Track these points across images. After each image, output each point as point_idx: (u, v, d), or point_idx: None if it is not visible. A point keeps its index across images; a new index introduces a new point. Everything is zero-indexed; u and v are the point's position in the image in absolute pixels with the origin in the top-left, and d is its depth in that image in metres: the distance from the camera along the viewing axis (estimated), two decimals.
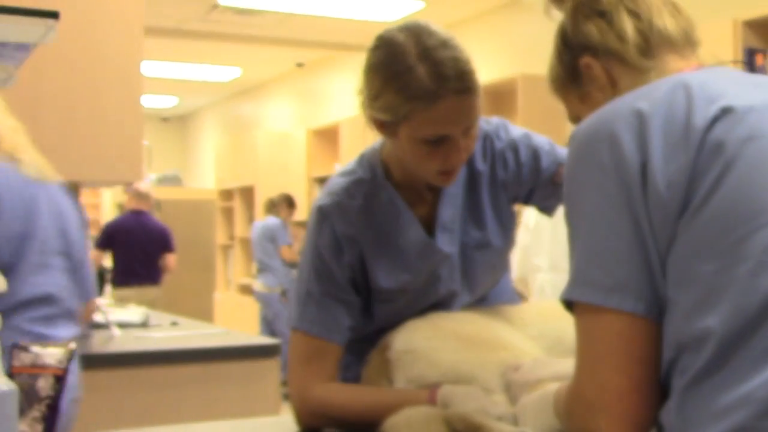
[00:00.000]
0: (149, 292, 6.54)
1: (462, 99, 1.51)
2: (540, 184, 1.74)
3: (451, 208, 1.70)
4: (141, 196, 6.64)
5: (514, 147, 1.73)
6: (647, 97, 1.07)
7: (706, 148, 1.01)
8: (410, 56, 1.50)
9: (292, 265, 7.63)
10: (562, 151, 1.73)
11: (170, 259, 6.75)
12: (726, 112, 1.03)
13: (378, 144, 1.71)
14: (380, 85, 1.53)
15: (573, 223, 1.10)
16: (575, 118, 1.30)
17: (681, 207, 1.01)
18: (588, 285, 1.06)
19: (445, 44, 1.52)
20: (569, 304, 1.10)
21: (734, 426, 0.92)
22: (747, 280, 0.96)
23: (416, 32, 1.53)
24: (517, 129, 1.77)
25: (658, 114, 1.04)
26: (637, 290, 1.03)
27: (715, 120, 1.02)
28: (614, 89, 1.22)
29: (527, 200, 1.78)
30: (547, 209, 1.80)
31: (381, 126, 1.58)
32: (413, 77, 1.49)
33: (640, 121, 1.05)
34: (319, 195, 1.71)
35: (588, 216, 1.07)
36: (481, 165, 1.72)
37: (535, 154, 1.73)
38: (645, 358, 1.03)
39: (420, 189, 1.69)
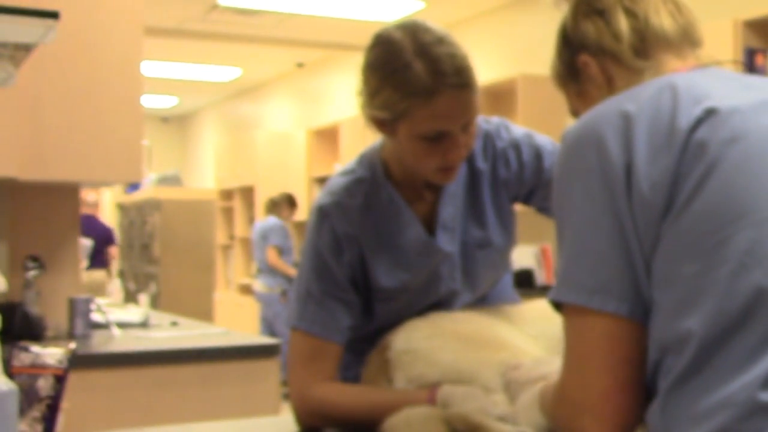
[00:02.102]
0: (96, 273, 8.35)
1: (460, 94, 1.51)
2: (541, 184, 1.74)
3: (451, 207, 1.70)
4: (88, 204, 8.31)
5: (516, 146, 1.73)
6: (635, 98, 1.08)
7: (690, 150, 1.01)
8: (407, 53, 1.50)
9: (276, 269, 7.63)
10: None
11: (113, 251, 8.74)
12: (710, 113, 1.03)
13: (378, 143, 1.71)
14: (378, 83, 1.53)
15: (560, 224, 1.11)
16: (575, 113, 1.31)
17: (664, 208, 1.01)
18: (572, 286, 1.06)
19: (442, 41, 1.52)
20: (558, 305, 1.10)
21: (715, 429, 0.93)
22: (728, 282, 0.96)
23: (412, 29, 1.53)
24: (518, 129, 1.77)
25: (643, 115, 1.05)
26: (620, 291, 1.03)
27: (699, 121, 1.02)
28: (610, 88, 1.22)
29: (527, 200, 1.78)
30: (546, 210, 1.79)
31: (380, 124, 1.58)
32: (411, 73, 1.49)
33: (626, 122, 1.05)
34: (319, 195, 1.71)
35: (574, 217, 1.07)
36: (482, 164, 1.72)
37: (538, 153, 1.73)
38: (630, 358, 1.04)
39: (420, 187, 1.69)
